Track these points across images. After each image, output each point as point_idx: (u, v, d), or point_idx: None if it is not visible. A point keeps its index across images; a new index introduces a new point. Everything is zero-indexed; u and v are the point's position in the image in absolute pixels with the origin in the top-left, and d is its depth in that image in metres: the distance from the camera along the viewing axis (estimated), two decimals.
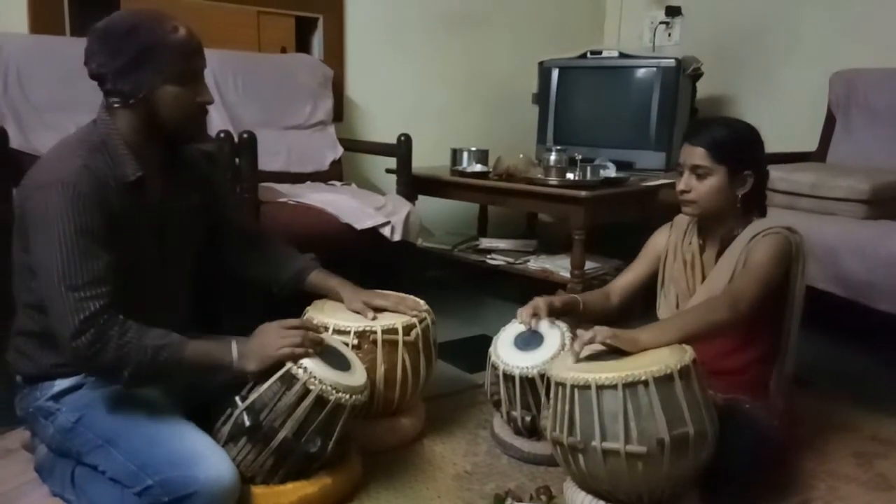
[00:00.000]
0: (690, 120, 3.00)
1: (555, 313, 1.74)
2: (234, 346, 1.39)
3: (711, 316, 1.49)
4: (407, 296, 1.82)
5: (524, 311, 1.73)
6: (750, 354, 1.65)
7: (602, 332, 1.43)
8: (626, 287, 1.84)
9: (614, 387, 1.32)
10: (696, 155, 1.61)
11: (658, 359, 1.37)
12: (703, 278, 1.69)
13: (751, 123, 1.67)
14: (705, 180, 1.61)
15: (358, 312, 1.72)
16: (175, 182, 1.49)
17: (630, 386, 1.32)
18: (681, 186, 1.65)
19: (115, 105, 1.36)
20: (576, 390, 1.37)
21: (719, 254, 1.67)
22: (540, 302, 1.73)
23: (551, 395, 1.46)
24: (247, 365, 1.39)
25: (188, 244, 1.56)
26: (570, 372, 1.40)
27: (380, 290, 1.80)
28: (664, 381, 1.32)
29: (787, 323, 1.64)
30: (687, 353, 1.38)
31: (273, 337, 1.41)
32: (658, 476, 1.34)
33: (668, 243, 1.79)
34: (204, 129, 1.55)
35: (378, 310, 1.73)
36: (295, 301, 1.75)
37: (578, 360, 1.45)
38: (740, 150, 1.61)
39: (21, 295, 1.40)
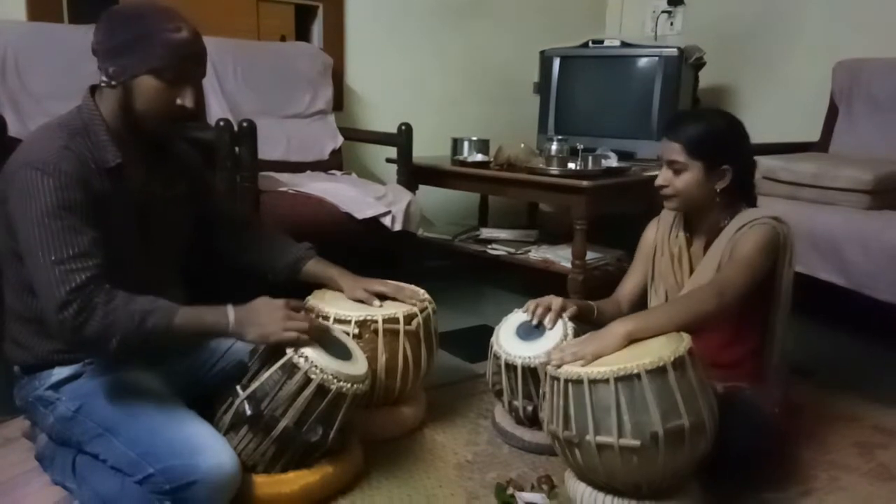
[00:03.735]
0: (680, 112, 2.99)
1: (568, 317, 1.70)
2: (230, 309, 1.36)
3: (698, 306, 1.48)
4: (406, 284, 1.81)
5: (539, 311, 1.69)
6: (742, 347, 1.65)
7: (580, 357, 1.39)
8: (631, 292, 1.83)
9: (606, 381, 1.32)
10: (671, 150, 1.61)
11: (651, 350, 1.36)
12: (692, 272, 1.68)
13: (732, 115, 1.67)
14: (681, 175, 1.61)
15: (360, 301, 1.71)
16: (159, 171, 1.48)
17: (622, 380, 1.31)
18: (658, 181, 1.65)
19: (103, 84, 1.36)
20: (569, 384, 1.37)
21: (706, 246, 1.66)
22: (554, 304, 1.69)
23: (546, 389, 1.46)
24: (246, 333, 1.36)
25: (173, 234, 1.54)
26: (563, 366, 1.39)
27: (378, 279, 1.79)
28: (657, 373, 1.31)
29: (773, 313, 1.63)
30: (683, 343, 1.37)
31: (279, 314, 1.38)
32: (653, 469, 1.33)
33: (655, 238, 1.79)
34: (203, 120, 1.53)
35: (379, 296, 1.73)
36: (294, 291, 1.74)
37: None
38: (717, 145, 1.60)
39: (11, 282, 1.39)
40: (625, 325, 1.43)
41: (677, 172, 1.61)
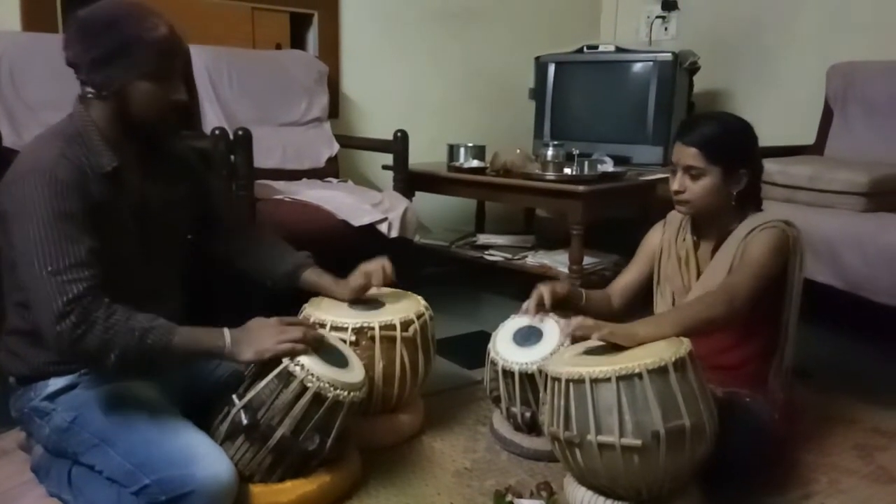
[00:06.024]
0: (687, 115, 2.99)
1: (558, 301, 1.72)
2: (227, 332, 1.36)
3: (708, 312, 1.48)
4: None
5: (532, 304, 1.70)
6: (749, 349, 1.64)
7: (599, 328, 1.42)
8: (625, 288, 1.83)
9: (608, 380, 1.32)
10: (688, 155, 1.59)
11: (653, 351, 1.36)
12: (699, 275, 1.68)
13: (744, 118, 1.66)
14: (699, 181, 1.59)
15: (362, 296, 1.73)
16: (157, 174, 1.47)
17: (624, 379, 1.31)
18: (675, 187, 1.63)
19: (90, 96, 1.35)
20: (570, 384, 1.37)
21: (715, 250, 1.66)
22: (544, 290, 1.70)
23: (547, 390, 1.45)
24: (242, 353, 1.36)
25: (172, 238, 1.54)
26: (565, 366, 1.40)
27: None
28: (659, 373, 1.31)
29: (785, 317, 1.63)
30: (683, 346, 1.37)
31: (272, 330, 1.39)
32: (655, 469, 1.33)
33: (661, 241, 1.78)
34: (189, 125, 1.53)
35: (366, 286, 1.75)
36: (293, 298, 1.74)
37: (575, 355, 1.44)
38: (734, 148, 1.59)
39: (10, 294, 1.39)
40: (640, 329, 1.43)
41: (694, 178, 1.59)
